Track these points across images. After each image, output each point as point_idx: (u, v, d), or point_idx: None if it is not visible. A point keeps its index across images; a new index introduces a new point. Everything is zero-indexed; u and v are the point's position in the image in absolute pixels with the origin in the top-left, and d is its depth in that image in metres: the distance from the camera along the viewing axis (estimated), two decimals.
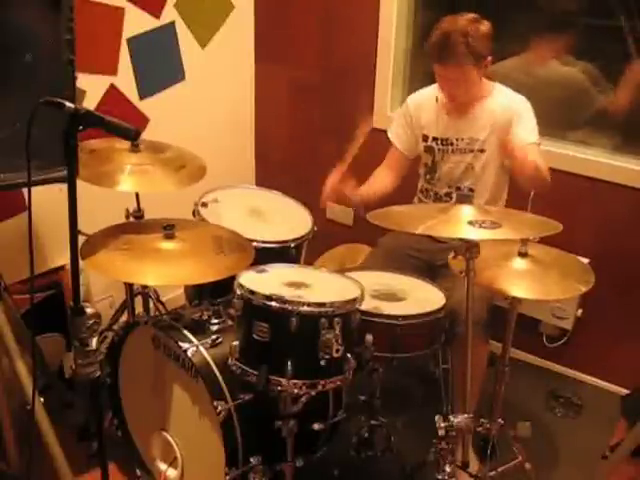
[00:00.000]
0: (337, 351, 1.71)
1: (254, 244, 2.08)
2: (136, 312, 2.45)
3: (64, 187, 1.43)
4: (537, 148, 2.28)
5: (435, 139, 2.43)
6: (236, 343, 1.80)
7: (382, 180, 2.54)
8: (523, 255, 1.91)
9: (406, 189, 2.59)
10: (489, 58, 2.23)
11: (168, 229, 1.93)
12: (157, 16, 2.84)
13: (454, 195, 2.40)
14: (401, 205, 1.97)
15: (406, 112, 2.51)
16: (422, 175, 2.54)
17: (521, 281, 1.89)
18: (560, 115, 2.75)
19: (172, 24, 2.90)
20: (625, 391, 2.75)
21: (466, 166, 2.39)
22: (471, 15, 2.21)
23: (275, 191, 2.51)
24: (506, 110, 2.30)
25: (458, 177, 2.41)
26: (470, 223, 1.67)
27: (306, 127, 3.36)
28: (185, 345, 1.86)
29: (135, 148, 2.17)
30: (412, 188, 2.60)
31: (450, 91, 2.31)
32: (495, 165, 2.38)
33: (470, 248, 1.71)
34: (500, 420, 2.06)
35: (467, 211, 1.73)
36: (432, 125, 2.43)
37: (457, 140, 2.39)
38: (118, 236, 1.95)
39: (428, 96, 2.46)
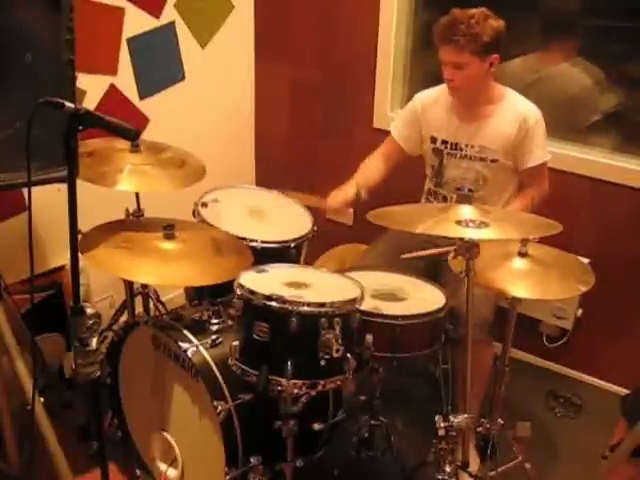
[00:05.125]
0: (337, 351, 1.71)
1: (254, 244, 2.08)
2: (136, 312, 2.45)
3: (64, 187, 1.43)
4: (544, 168, 2.35)
5: (445, 142, 2.41)
6: (236, 343, 1.80)
7: (373, 170, 2.54)
8: (523, 255, 1.91)
9: (409, 190, 2.59)
10: (496, 56, 2.21)
11: (168, 229, 1.93)
12: (157, 16, 2.84)
13: None
14: (402, 205, 1.96)
15: (413, 110, 2.49)
16: (429, 177, 2.53)
17: (521, 281, 1.89)
18: (563, 116, 2.75)
19: (172, 24, 2.90)
20: (625, 391, 2.74)
21: (476, 174, 2.38)
22: (485, 9, 2.19)
23: (275, 191, 2.51)
24: (515, 120, 2.28)
25: (468, 183, 2.37)
26: (458, 222, 1.68)
27: (306, 127, 3.36)
28: (185, 345, 1.86)
29: (135, 148, 2.17)
30: (415, 188, 2.60)
31: (450, 79, 2.26)
32: (507, 175, 2.38)
33: (470, 248, 1.71)
34: (500, 420, 2.06)
35: (466, 211, 1.73)
36: (442, 127, 2.41)
37: (467, 146, 2.37)
38: (118, 233, 1.95)
39: (437, 96, 2.43)
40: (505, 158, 2.34)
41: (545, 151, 2.33)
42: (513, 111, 2.30)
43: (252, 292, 1.74)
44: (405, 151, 2.53)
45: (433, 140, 2.45)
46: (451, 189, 2.44)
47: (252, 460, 1.87)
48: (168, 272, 1.90)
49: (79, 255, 1.49)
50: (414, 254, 2.14)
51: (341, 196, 2.42)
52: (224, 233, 2.10)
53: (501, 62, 2.28)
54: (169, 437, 2.02)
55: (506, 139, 2.31)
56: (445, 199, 2.47)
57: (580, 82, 2.73)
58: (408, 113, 2.52)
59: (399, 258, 2.39)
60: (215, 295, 2.05)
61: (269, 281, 1.83)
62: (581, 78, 2.72)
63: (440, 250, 2.05)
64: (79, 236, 1.51)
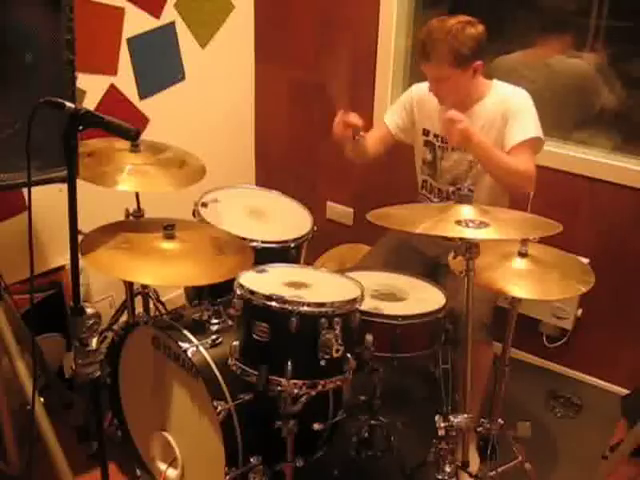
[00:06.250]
0: (337, 351, 1.71)
1: (254, 244, 2.08)
2: (136, 312, 2.45)
3: (64, 187, 1.43)
4: (527, 146, 2.21)
5: (436, 136, 2.42)
6: (236, 343, 1.80)
7: (368, 141, 2.48)
8: (523, 255, 1.91)
9: (407, 189, 2.59)
10: (478, 62, 2.19)
11: (168, 229, 1.93)
12: (157, 16, 2.84)
13: None
14: (402, 204, 1.96)
15: (408, 99, 2.50)
16: (421, 169, 2.52)
17: (521, 281, 1.89)
18: (564, 109, 2.75)
19: (172, 24, 2.90)
20: (625, 391, 2.74)
21: (468, 164, 2.37)
22: (463, 17, 2.17)
23: (275, 191, 2.51)
24: (499, 107, 2.26)
25: (461, 175, 2.38)
26: (458, 222, 1.68)
27: (306, 127, 3.36)
28: (185, 345, 1.87)
29: (135, 148, 2.17)
30: (413, 188, 2.59)
31: (436, 92, 2.27)
32: None
33: (470, 248, 1.71)
34: (500, 420, 2.06)
35: (466, 211, 1.73)
36: (434, 121, 2.41)
37: None
38: (118, 234, 1.95)
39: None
40: (490, 139, 2.32)
41: (530, 130, 2.22)
42: (497, 99, 2.29)
43: (252, 292, 1.74)
44: (392, 133, 2.52)
45: (425, 132, 2.45)
46: (445, 181, 2.44)
47: (252, 460, 1.87)
48: (169, 272, 1.90)
49: (79, 256, 1.49)
50: None
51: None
52: (224, 232, 2.10)
53: (496, 57, 2.26)
54: (169, 437, 2.02)
55: (493, 127, 2.29)
56: (440, 192, 2.47)
57: (581, 70, 2.72)
58: (404, 103, 2.52)
59: (398, 263, 2.38)
60: (215, 295, 2.05)
61: (269, 281, 1.83)
62: (582, 67, 2.71)
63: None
64: (79, 236, 1.51)
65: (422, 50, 2.19)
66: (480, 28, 2.17)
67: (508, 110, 2.25)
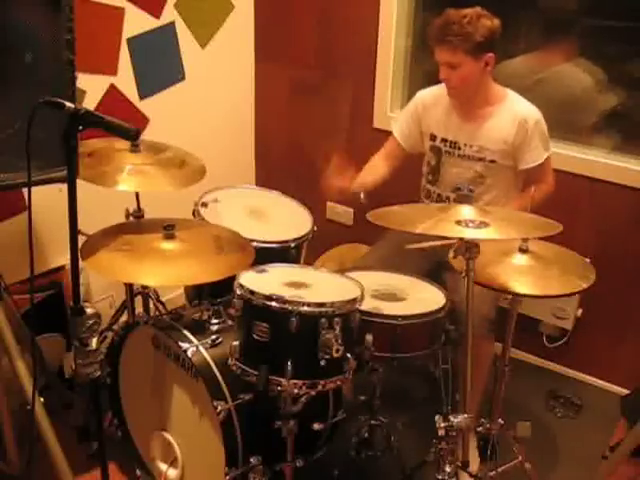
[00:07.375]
0: (337, 351, 1.71)
1: (254, 244, 2.08)
2: (136, 312, 2.45)
3: (64, 187, 1.43)
4: (546, 164, 2.35)
5: (444, 140, 2.41)
6: (236, 343, 1.80)
7: (376, 170, 2.54)
8: (524, 251, 1.91)
9: (407, 189, 2.59)
10: (491, 55, 2.20)
11: (168, 229, 1.93)
12: (157, 16, 2.84)
13: None
14: (402, 205, 1.96)
15: (414, 108, 2.50)
16: (424, 174, 2.53)
17: (522, 277, 1.89)
18: (564, 116, 2.75)
19: (172, 24, 2.90)
20: (625, 391, 2.74)
21: (474, 174, 2.37)
22: (480, 8, 2.19)
23: (275, 191, 2.51)
24: (520, 128, 2.28)
25: (464, 183, 2.38)
26: (458, 222, 1.68)
27: (306, 127, 3.36)
28: (185, 345, 1.87)
29: (135, 148, 2.18)
30: (415, 188, 2.59)
31: (446, 80, 2.27)
32: (506, 175, 2.38)
33: (470, 248, 1.71)
34: (500, 420, 2.06)
35: (466, 211, 1.73)
36: (442, 125, 2.41)
37: (466, 146, 2.37)
38: (118, 236, 1.95)
39: (439, 94, 2.43)
40: (503, 159, 2.34)
41: (544, 150, 2.33)
42: (513, 112, 2.30)
43: (252, 292, 1.74)
44: (406, 150, 2.53)
45: (433, 138, 2.45)
46: (446, 187, 2.44)
47: (252, 460, 1.87)
48: (170, 272, 1.89)
49: (79, 258, 1.49)
50: (419, 245, 2.13)
51: (343, 182, 2.43)
52: (225, 230, 2.09)
53: (498, 61, 2.27)
54: (169, 437, 2.02)
55: (505, 140, 2.31)
56: (440, 197, 2.47)
57: (582, 82, 2.73)
58: (409, 111, 2.52)
59: (400, 260, 2.39)
60: (215, 295, 2.05)
61: (269, 281, 1.83)
62: (583, 78, 2.72)
63: (445, 241, 2.04)
64: (80, 236, 1.51)
65: (437, 33, 2.20)
66: (495, 21, 2.19)
67: (527, 127, 2.28)
